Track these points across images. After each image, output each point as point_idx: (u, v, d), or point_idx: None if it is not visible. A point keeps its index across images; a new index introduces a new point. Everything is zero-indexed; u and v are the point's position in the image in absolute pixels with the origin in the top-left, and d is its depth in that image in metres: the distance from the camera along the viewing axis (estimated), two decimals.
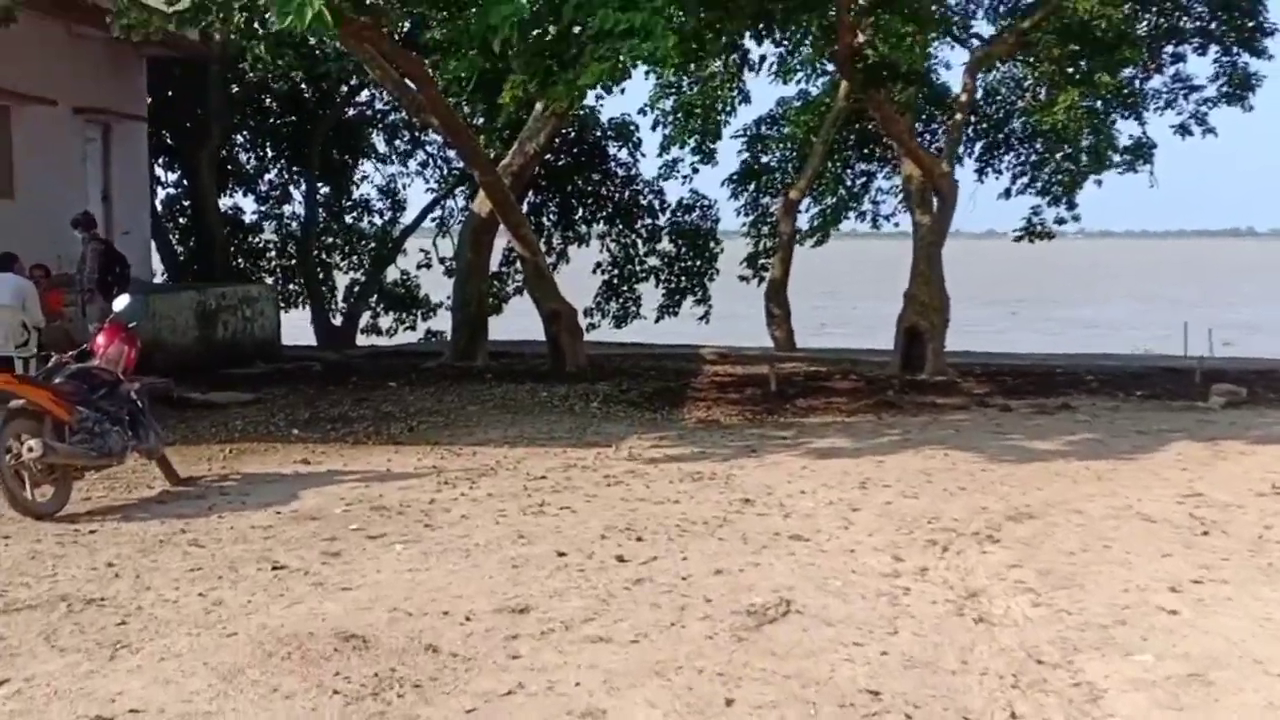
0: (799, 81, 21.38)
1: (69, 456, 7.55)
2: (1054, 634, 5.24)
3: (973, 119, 20.90)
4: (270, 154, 25.11)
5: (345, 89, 23.56)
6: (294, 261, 25.38)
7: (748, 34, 13.96)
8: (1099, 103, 19.28)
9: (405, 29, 19.09)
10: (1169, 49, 18.25)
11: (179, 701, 4.43)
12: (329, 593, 5.81)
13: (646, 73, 17.65)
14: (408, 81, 15.40)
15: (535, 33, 10.62)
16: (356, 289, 25.79)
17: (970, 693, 4.58)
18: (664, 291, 24.27)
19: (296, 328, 23.00)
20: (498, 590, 5.83)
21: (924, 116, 21.89)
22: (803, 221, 23.40)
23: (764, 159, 23.28)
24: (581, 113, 20.01)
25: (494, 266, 21.36)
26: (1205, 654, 4.96)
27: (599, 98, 20.73)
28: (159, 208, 22.91)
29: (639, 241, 24.25)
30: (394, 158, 26.03)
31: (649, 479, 8.65)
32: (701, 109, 20.44)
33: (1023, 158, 22.44)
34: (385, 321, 26.04)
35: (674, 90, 20.68)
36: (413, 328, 25.98)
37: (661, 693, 4.53)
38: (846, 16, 13.75)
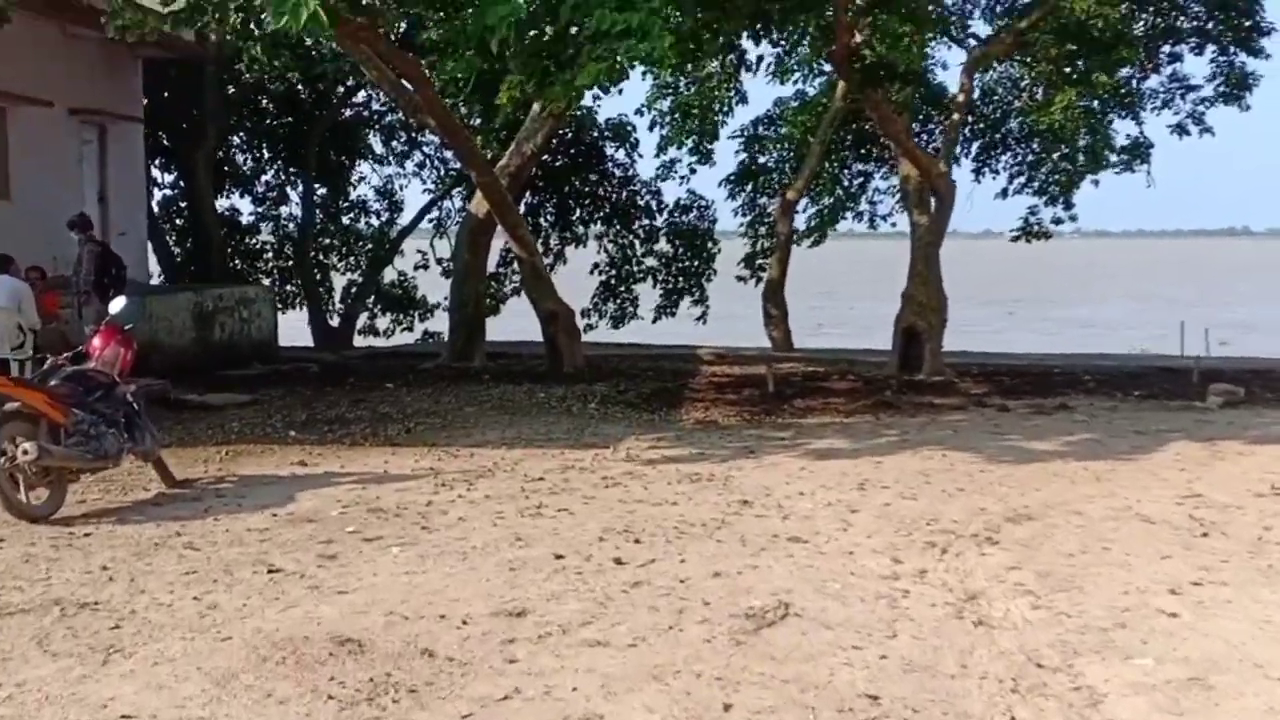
0: (796, 82, 21.40)
1: (64, 459, 7.51)
2: (1054, 637, 5.22)
3: (970, 119, 20.90)
4: (267, 155, 25.07)
5: (342, 90, 23.54)
6: (291, 263, 25.34)
7: (745, 34, 13.92)
8: (1096, 103, 19.28)
9: (402, 29, 19.05)
10: (1166, 49, 18.25)
11: (172, 707, 4.40)
12: (325, 596, 5.78)
13: (644, 73, 17.64)
14: (404, 82, 15.37)
15: (532, 33, 10.59)
16: (354, 290, 25.76)
17: (970, 697, 4.55)
18: (661, 292, 24.25)
19: (293, 329, 22.95)
20: (495, 593, 5.80)
21: (921, 117, 21.88)
22: (800, 222, 23.41)
23: (761, 159, 23.27)
24: (579, 113, 19.99)
25: (491, 267, 21.32)
26: (1205, 657, 4.94)
27: (596, 98, 20.71)
28: (155, 209, 22.86)
29: (636, 242, 24.23)
30: (391, 159, 26.03)
31: (647, 480, 8.62)
32: (699, 109, 20.42)
33: (1020, 158, 22.45)
34: (382, 322, 26.02)
35: (671, 91, 20.67)
36: (410, 328, 25.95)
37: (659, 697, 4.50)
38: (844, 16, 13.73)
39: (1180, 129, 18.82)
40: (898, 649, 5.06)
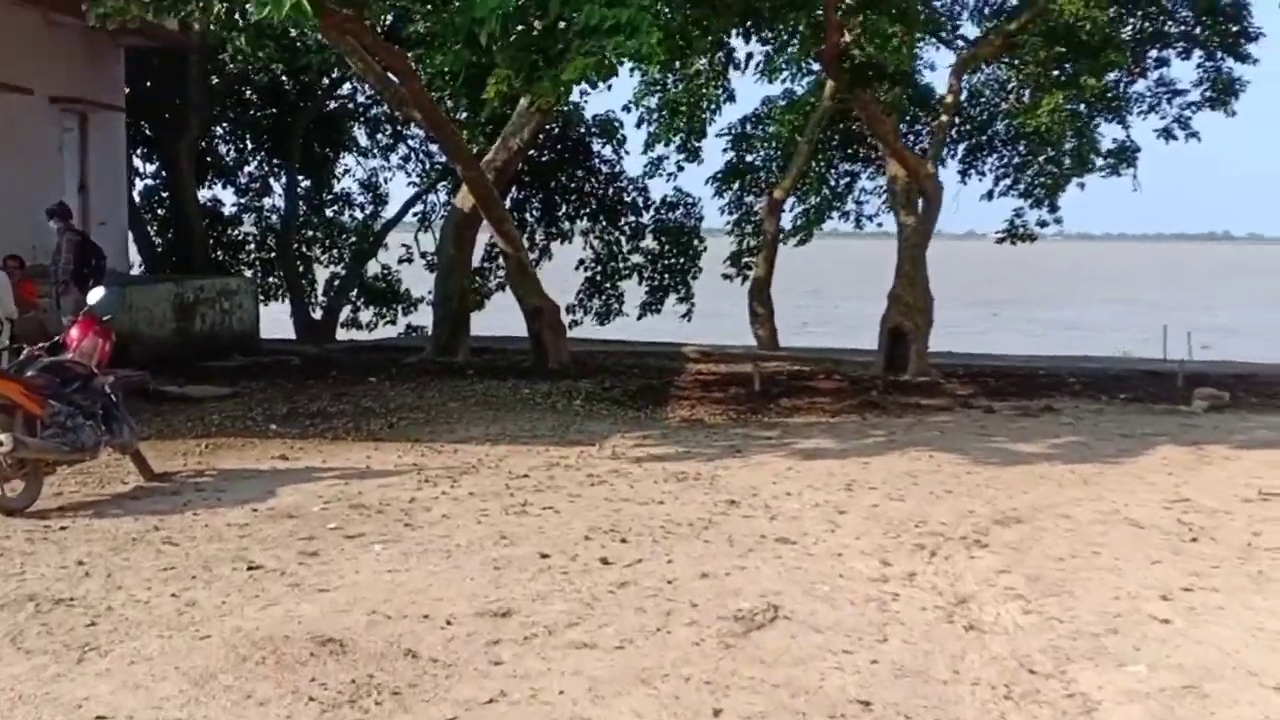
0: (784, 81, 21.29)
1: (40, 451, 7.39)
2: (1045, 642, 5.16)
3: (956, 121, 20.87)
4: (250, 146, 24.86)
5: (327, 82, 23.35)
6: (274, 254, 25.13)
7: (734, 32, 13.85)
8: (1083, 106, 19.28)
9: (388, 22, 18.90)
10: (1153, 53, 18.27)
11: (148, 708, 4.29)
12: (306, 594, 5.67)
13: (631, 69, 17.54)
14: (390, 75, 15.23)
15: (520, 28, 10.49)
16: (337, 283, 25.58)
17: (963, 703, 4.49)
18: (647, 289, 24.15)
19: (276, 321, 22.78)
20: (479, 593, 5.71)
21: (908, 118, 21.84)
22: (786, 220, 23.35)
23: (749, 158, 23.19)
24: (566, 109, 19.87)
25: (476, 262, 21.20)
26: (1199, 665, 4.89)
27: (584, 94, 20.62)
28: (137, 199, 22.63)
29: (622, 239, 24.12)
30: (376, 151, 25.87)
31: (633, 479, 8.54)
32: (686, 107, 20.32)
33: (1006, 160, 22.38)
34: (365, 316, 25.84)
35: (659, 88, 20.56)
36: (393, 322, 25.79)
37: (648, 702, 4.42)
38: (834, 16, 13.68)
39: (1167, 133, 18.85)
40: (889, 653, 4.99)
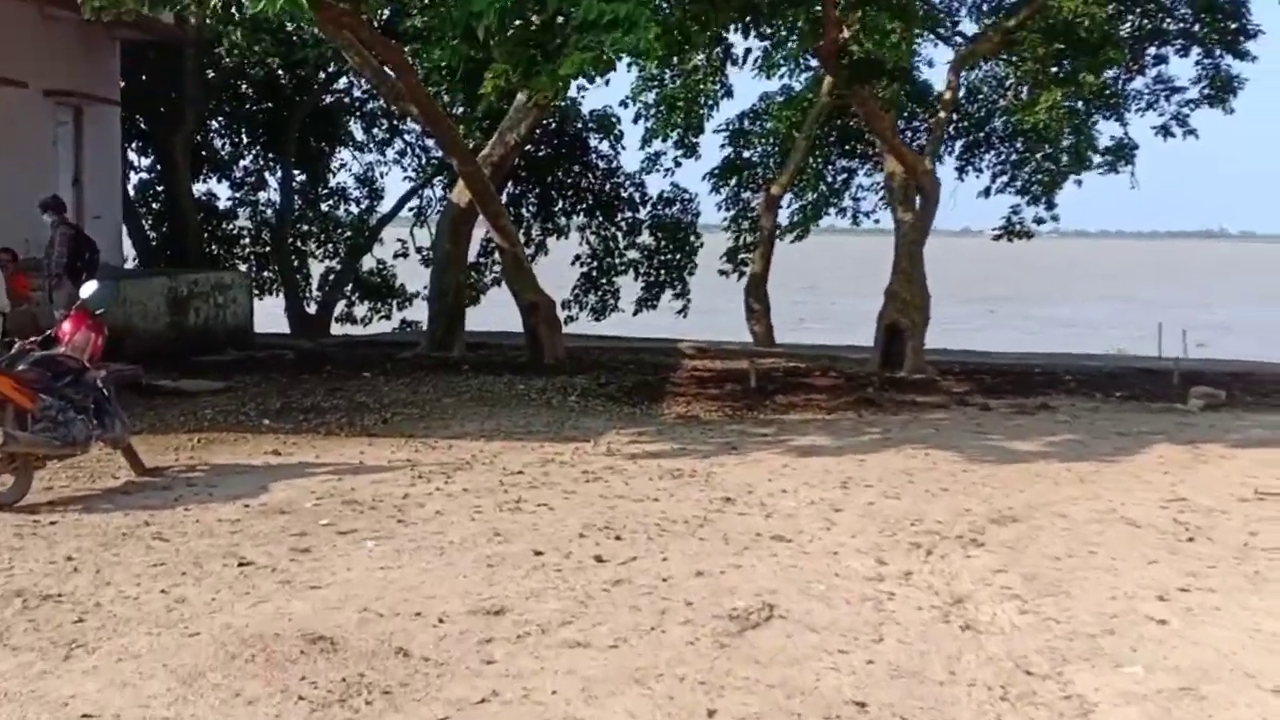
0: (782, 77, 21.28)
1: (30, 445, 7.33)
2: (1042, 643, 5.13)
3: (954, 117, 20.84)
4: (245, 140, 24.77)
5: (323, 76, 23.27)
6: (268, 249, 25.06)
7: (733, 27, 13.80)
8: (1080, 103, 19.25)
9: (384, 16, 18.81)
10: (1151, 50, 18.25)
11: (135, 706, 4.24)
12: (297, 591, 5.62)
13: (629, 65, 17.48)
14: (386, 69, 15.16)
15: (518, 22, 10.43)
16: (332, 277, 25.50)
17: (959, 705, 4.45)
18: (643, 285, 24.11)
19: (270, 315, 22.70)
20: (472, 590, 5.66)
21: (905, 114, 21.81)
22: (783, 217, 23.32)
23: (746, 154, 23.14)
24: (563, 104, 19.80)
25: (472, 257, 21.14)
26: (1196, 666, 4.86)
27: (581, 89, 20.55)
28: (131, 192, 22.55)
29: (619, 234, 24.06)
30: (371, 146, 25.79)
31: (628, 476, 8.50)
32: (684, 102, 20.27)
33: (1003, 157, 22.41)
34: (360, 310, 25.77)
35: (656, 83, 20.51)
36: (388, 317, 25.73)
37: (642, 702, 4.38)
38: (833, 11, 13.63)
39: (1164, 130, 18.85)
40: (884, 653, 4.95)
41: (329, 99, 24.60)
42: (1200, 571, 6.27)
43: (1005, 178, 22.27)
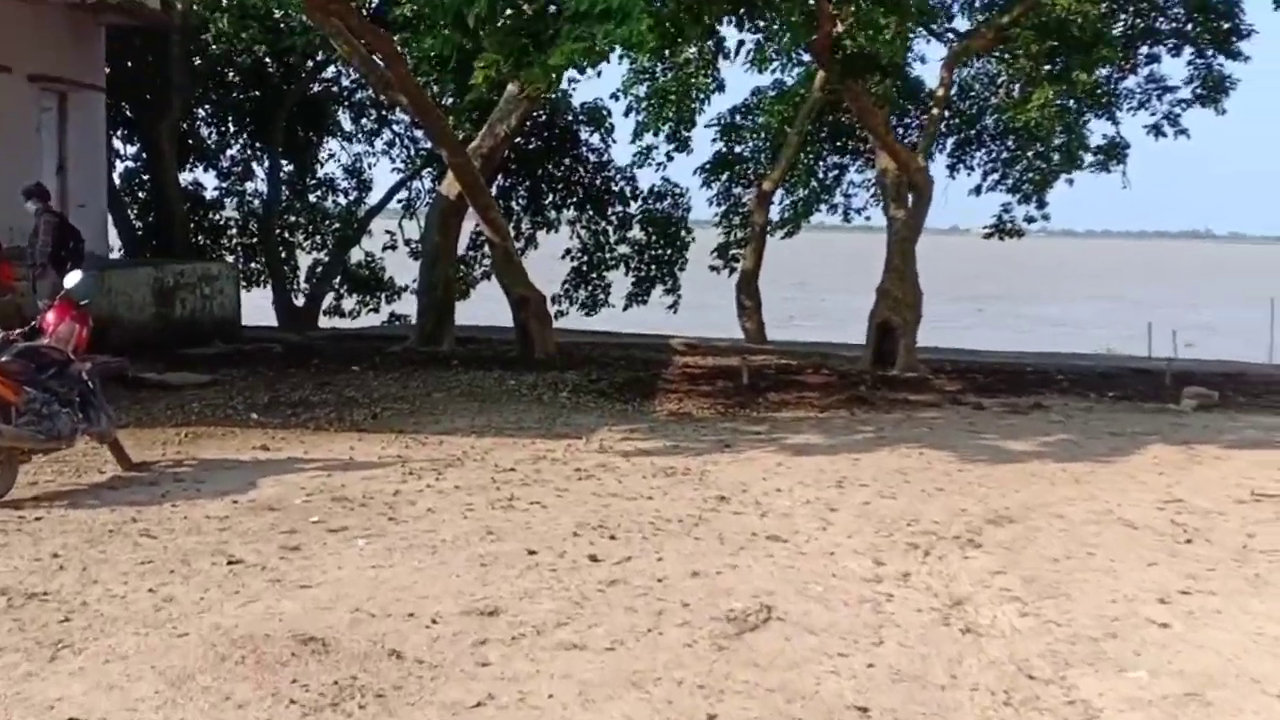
0: (774, 71, 21.17)
1: (14, 439, 7.21)
2: (1044, 646, 5.07)
3: (946, 115, 20.79)
4: (233, 129, 24.51)
5: (311, 64, 23.04)
6: (256, 240, 24.83)
7: (726, 19, 13.69)
8: (1072, 101, 19.23)
9: (374, 4, 18.69)
10: (1144, 49, 18.23)
11: (123, 709, 4.14)
12: (287, 590, 5.52)
13: (620, 57, 17.37)
14: (375, 58, 15.01)
15: (510, 11, 10.33)
16: (319, 269, 25.28)
17: (961, 710, 4.38)
18: (634, 280, 23.99)
19: (257, 308, 22.52)
20: (465, 590, 5.57)
21: (897, 111, 21.74)
22: (774, 212, 23.24)
23: (737, 149, 23.04)
24: (554, 96, 19.67)
25: (461, 250, 20.98)
26: (1200, 671, 4.80)
27: (571, 81, 20.41)
28: (117, 181, 22.30)
29: (609, 229, 23.93)
30: (360, 136, 25.54)
31: (621, 473, 8.41)
32: (676, 96, 20.15)
33: (994, 155, 22.36)
34: (348, 303, 25.55)
35: (648, 76, 20.38)
36: (376, 310, 25.52)
37: (640, 706, 4.29)
38: (827, 5, 13.54)
39: (1156, 130, 18.84)
40: (885, 657, 4.88)
41: (317, 88, 24.39)
42: (1200, 574, 6.22)
43: (996, 176, 22.23)
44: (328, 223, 25.62)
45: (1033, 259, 79.17)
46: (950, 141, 22.41)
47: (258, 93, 23.49)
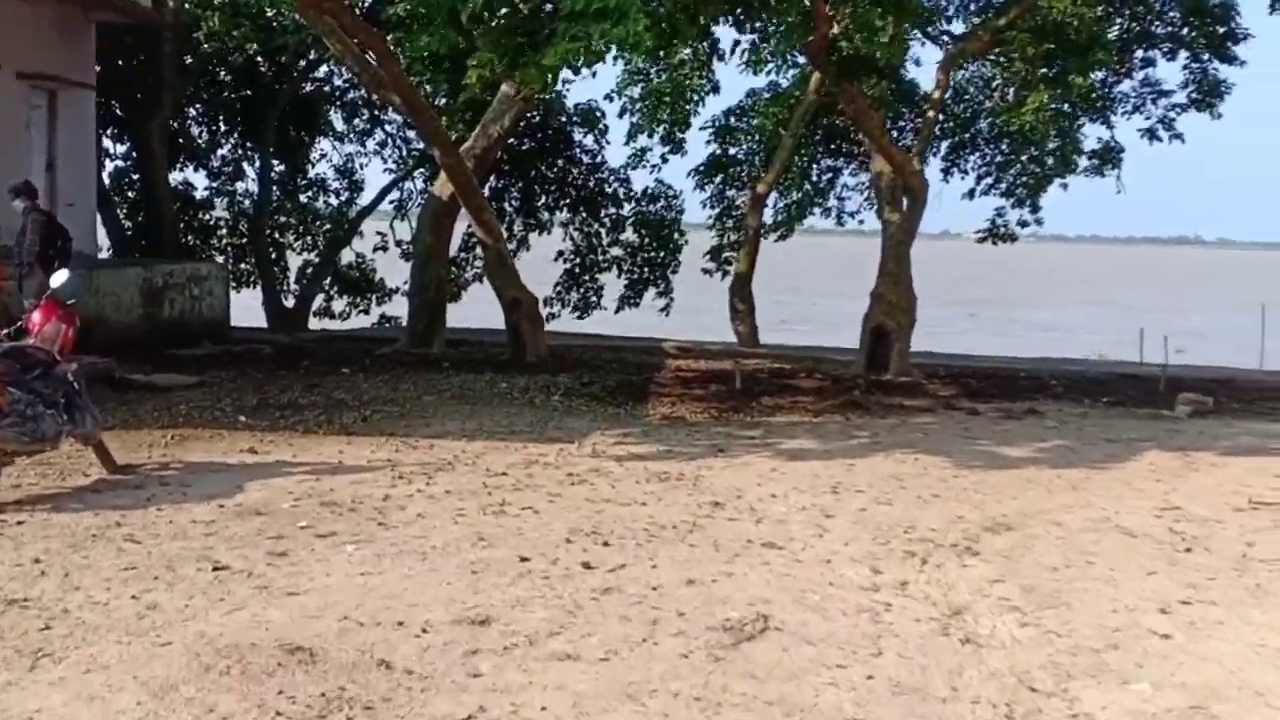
0: (769, 73, 21.07)
1: None
2: (1045, 658, 4.98)
3: (940, 117, 20.75)
4: (224, 128, 24.35)
5: (303, 63, 22.91)
6: (246, 240, 24.66)
7: (723, 20, 13.61)
8: (1067, 105, 19.19)
9: (366, 3, 18.57)
10: (1139, 53, 18.19)
11: None
12: (274, 598, 5.41)
13: (615, 58, 17.25)
14: (369, 57, 14.89)
15: (505, 10, 10.23)
16: (310, 270, 25.13)
17: None
18: (626, 282, 23.88)
19: (247, 308, 22.36)
20: (456, 598, 5.46)
21: (891, 114, 21.68)
22: (767, 215, 23.15)
23: (732, 150, 22.96)
24: (547, 97, 19.56)
25: (453, 252, 20.87)
26: (1204, 683, 4.72)
27: (565, 82, 20.32)
28: (106, 180, 22.12)
29: (602, 231, 23.82)
30: (352, 136, 25.41)
31: (614, 478, 8.31)
32: (670, 97, 20.05)
33: (988, 159, 22.31)
34: (339, 305, 25.41)
35: (642, 77, 20.28)
36: (366, 312, 25.39)
37: (635, 719, 4.19)
38: (823, 6, 13.46)
39: (1151, 134, 18.79)
40: (884, 668, 4.79)
41: (309, 87, 24.24)
42: (1200, 583, 6.15)
43: (990, 180, 22.16)
44: (318, 223, 25.47)
45: (1024, 264, 79.19)
46: (944, 145, 22.35)
47: (249, 92, 23.32)
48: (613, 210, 23.72)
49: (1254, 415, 12.63)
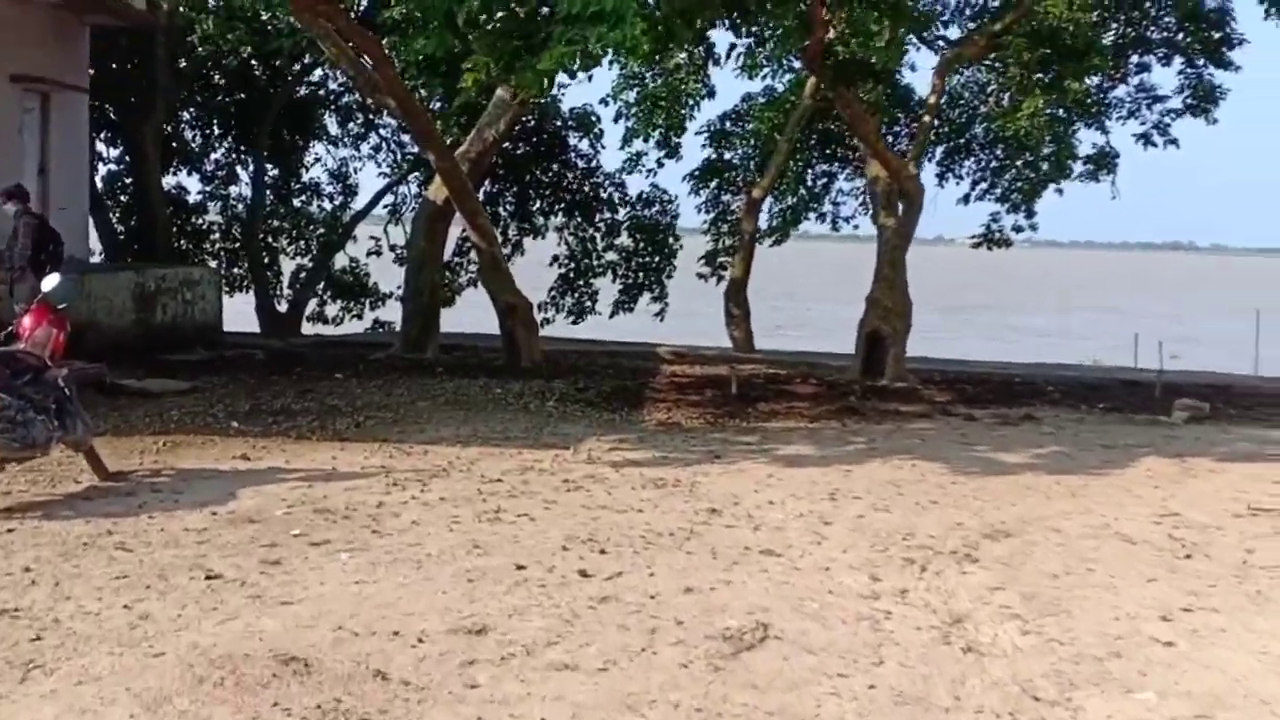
0: (764, 77, 21.09)
1: None
2: (1047, 666, 4.94)
3: (935, 122, 20.75)
4: (217, 132, 24.28)
5: (297, 67, 22.84)
6: (239, 244, 24.57)
7: (719, 24, 13.58)
8: (1062, 110, 19.21)
9: (362, 6, 18.51)
10: (1135, 58, 18.22)
11: None
12: (267, 607, 5.34)
13: (610, 62, 17.22)
14: (364, 61, 14.84)
15: (501, 14, 10.18)
16: (303, 275, 25.04)
17: None
18: (621, 287, 23.84)
19: (240, 313, 22.26)
20: (452, 607, 5.40)
21: (886, 119, 21.69)
22: (762, 220, 23.15)
23: (727, 155, 22.95)
24: (543, 101, 19.53)
25: (447, 256, 20.80)
26: (1209, 692, 4.68)
27: (561, 86, 20.28)
28: (99, 184, 22.02)
29: (597, 235, 23.78)
30: (346, 140, 25.34)
31: (610, 485, 8.26)
32: (666, 101, 20.04)
33: (983, 164, 22.34)
34: (332, 310, 25.33)
35: (638, 82, 20.27)
36: (360, 317, 25.31)
37: None
38: (820, 10, 13.44)
39: (1146, 139, 18.82)
40: (886, 677, 4.74)
41: (303, 91, 24.17)
42: (1201, 590, 6.12)
43: (985, 185, 22.20)
44: (312, 228, 25.39)
45: (1018, 269, 79.35)
46: (939, 150, 22.39)
47: (243, 95, 23.27)
48: (608, 215, 23.70)
49: (1250, 421, 12.62)
